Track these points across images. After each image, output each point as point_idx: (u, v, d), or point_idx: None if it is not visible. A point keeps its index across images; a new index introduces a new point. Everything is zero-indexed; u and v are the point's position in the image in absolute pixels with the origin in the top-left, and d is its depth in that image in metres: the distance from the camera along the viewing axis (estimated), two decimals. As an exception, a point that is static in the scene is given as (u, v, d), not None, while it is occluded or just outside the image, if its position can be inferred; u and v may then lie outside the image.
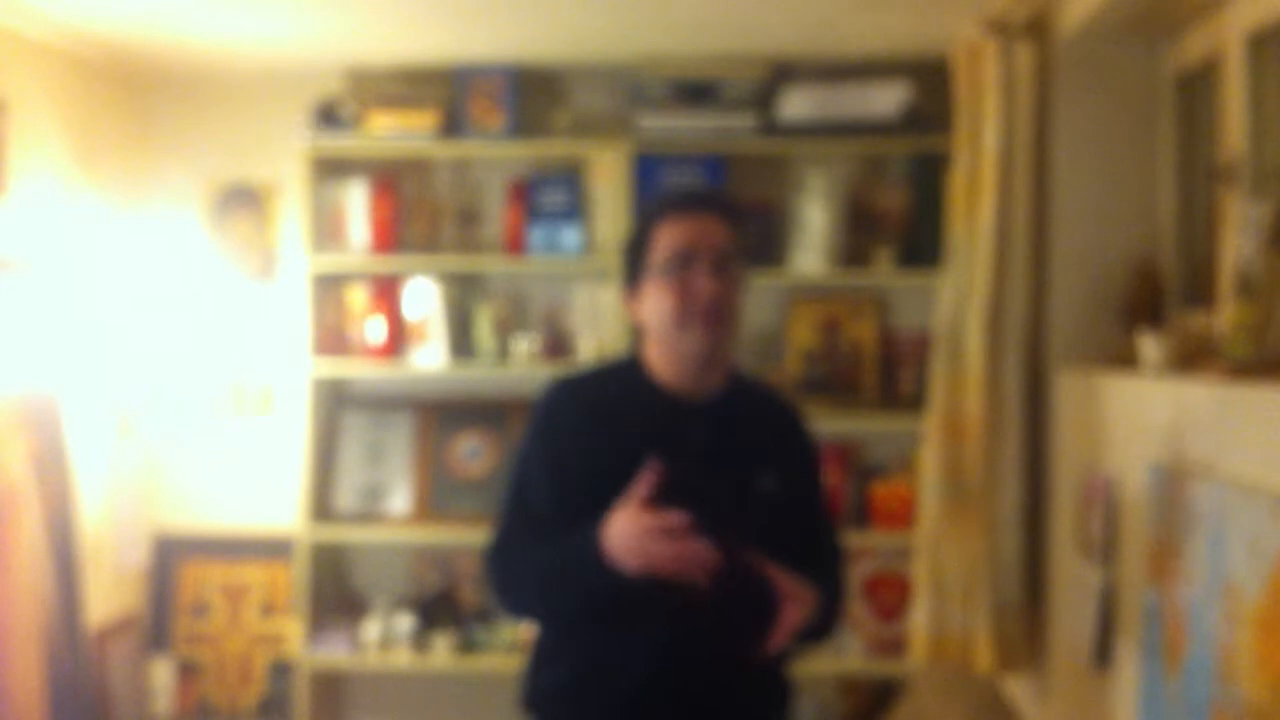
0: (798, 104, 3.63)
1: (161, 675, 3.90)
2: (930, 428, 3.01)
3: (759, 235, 3.75)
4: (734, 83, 3.64)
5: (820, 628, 2.07)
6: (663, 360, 2.08)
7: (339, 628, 3.82)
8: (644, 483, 1.89)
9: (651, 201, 2.12)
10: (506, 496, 2.11)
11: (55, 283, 3.39)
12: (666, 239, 2.01)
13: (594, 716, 2.05)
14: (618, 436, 2.05)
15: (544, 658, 2.12)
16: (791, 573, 1.95)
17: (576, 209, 3.80)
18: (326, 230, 3.84)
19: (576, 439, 2.06)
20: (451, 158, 3.91)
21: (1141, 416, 2.30)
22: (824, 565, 2.11)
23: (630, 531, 1.88)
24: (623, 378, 2.11)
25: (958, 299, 2.98)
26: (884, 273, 3.70)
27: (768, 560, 1.94)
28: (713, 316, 2.00)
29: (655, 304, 2.02)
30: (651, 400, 2.07)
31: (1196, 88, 2.72)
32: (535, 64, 3.81)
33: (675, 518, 1.85)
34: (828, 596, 2.07)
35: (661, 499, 1.97)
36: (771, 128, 3.67)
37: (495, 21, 3.35)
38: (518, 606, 2.14)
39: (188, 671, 3.93)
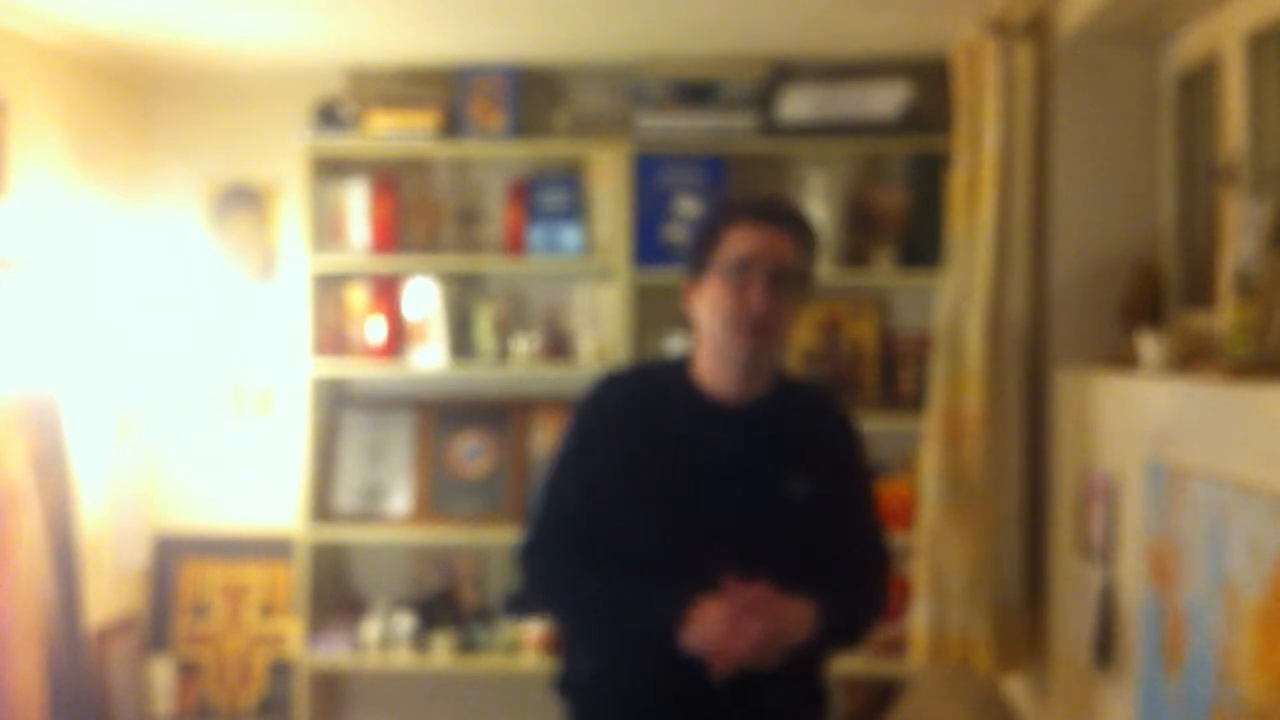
0: (798, 104, 3.63)
1: (161, 675, 3.89)
2: (930, 428, 3.01)
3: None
4: (734, 83, 3.64)
5: (841, 636, 2.10)
6: (708, 361, 2.10)
7: (339, 628, 3.82)
8: (737, 594, 1.95)
9: (729, 199, 2.15)
10: (545, 486, 2.15)
11: (55, 283, 3.39)
12: (735, 242, 2.03)
13: (623, 704, 2.08)
14: (652, 436, 2.09)
15: (575, 646, 2.17)
16: (786, 595, 1.97)
17: (576, 209, 3.80)
18: (326, 230, 3.84)
19: (611, 435, 2.10)
20: (451, 158, 3.91)
21: (1141, 416, 2.30)
22: (857, 573, 2.11)
23: (715, 628, 1.95)
24: (668, 378, 2.14)
25: (958, 299, 2.97)
26: (884, 273, 3.70)
27: (764, 584, 1.96)
28: (757, 329, 2.02)
29: (711, 303, 2.05)
30: (690, 402, 2.10)
31: (1196, 88, 2.72)
32: (535, 64, 3.81)
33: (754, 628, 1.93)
34: (860, 605, 2.11)
35: (686, 503, 2.03)
36: (771, 128, 3.66)
37: (495, 21, 3.35)
38: (546, 608, 2.28)
39: (188, 671, 3.93)
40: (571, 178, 3.82)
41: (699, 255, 2.08)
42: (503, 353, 3.80)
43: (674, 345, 3.69)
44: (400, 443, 3.90)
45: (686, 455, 2.06)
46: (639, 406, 2.11)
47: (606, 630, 2.08)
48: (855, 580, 2.11)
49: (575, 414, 2.16)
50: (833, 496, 2.10)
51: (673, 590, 1.97)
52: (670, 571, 1.99)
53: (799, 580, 2.00)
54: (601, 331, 3.76)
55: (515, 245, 3.83)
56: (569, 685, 2.15)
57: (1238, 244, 2.21)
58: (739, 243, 2.03)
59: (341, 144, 3.76)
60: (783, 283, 2.02)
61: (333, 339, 3.84)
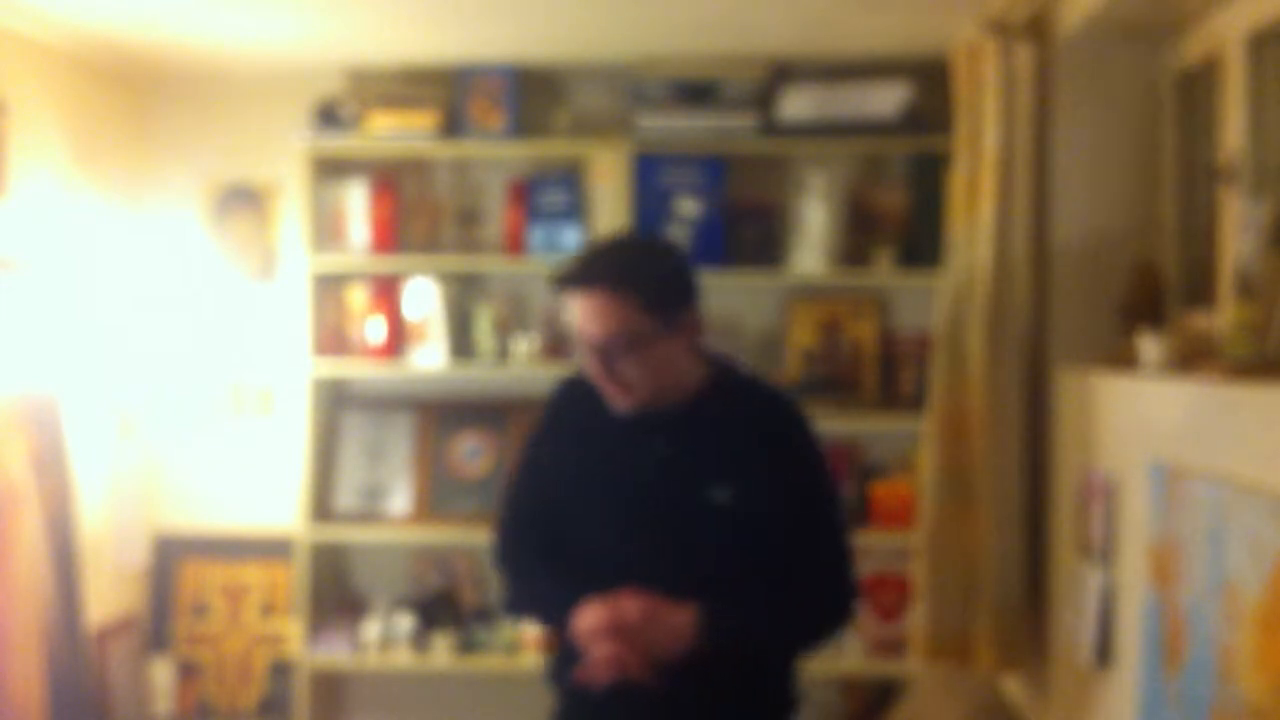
0: (798, 104, 3.63)
1: (161, 675, 3.90)
2: (930, 428, 3.01)
3: (759, 235, 3.76)
4: (734, 83, 3.64)
5: (760, 641, 2.09)
6: None
7: (339, 628, 3.82)
8: (605, 609, 1.99)
9: (567, 261, 2.11)
10: (510, 485, 2.26)
11: (55, 283, 3.39)
12: (570, 312, 2.06)
13: (578, 698, 2.14)
14: (590, 438, 2.15)
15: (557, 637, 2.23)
16: (668, 605, 1.99)
17: (576, 209, 3.80)
18: (326, 230, 3.84)
19: (561, 436, 2.20)
20: (451, 158, 3.91)
21: (1141, 416, 2.30)
22: (793, 577, 2.08)
23: (584, 628, 2.00)
24: None
25: (958, 299, 2.98)
26: (884, 273, 3.70)
27: (638, 599, 1.99)
28: (613, 391, 2.06)
29: None
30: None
31: (1196, 88, 2.72)
32: (535, 64, 3.81)
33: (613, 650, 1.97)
34: (793, 609, 2.09)
35: (612, 504, 2.10)
36: (771, 128, 3.67)
37: (495, 21, 3.35)
38: (507, 598, 2.32)
39: (188, 671, 3.93)
40: (571, 178, 3.82)
41: None
42: (503, 353, 3.80)
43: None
44: (400, 443, 3.90)
45: (615, 457, 2.12)
46: (585, 409, 2.15)
47: (538, 618, 2.21)
48: (789, 584, 2.07)
49: (543, 411, 2.26)
50: (763, 501, 2.06)
51: (581, 588, 2.03)
52: (599, 570, 2.04)
53: (714, 583, 2.01)
54: (601, 331, 3.75)
55: (515, 245, 3.83)
56: (552, 675, 2.21)
57: (1238, 244, 2.21)
58: (571, 313, 2.05)
59: (341, 144, 3.76)
60: (617, 349, 2.00)
61: (333, 339, 3.84)
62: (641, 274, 2.02)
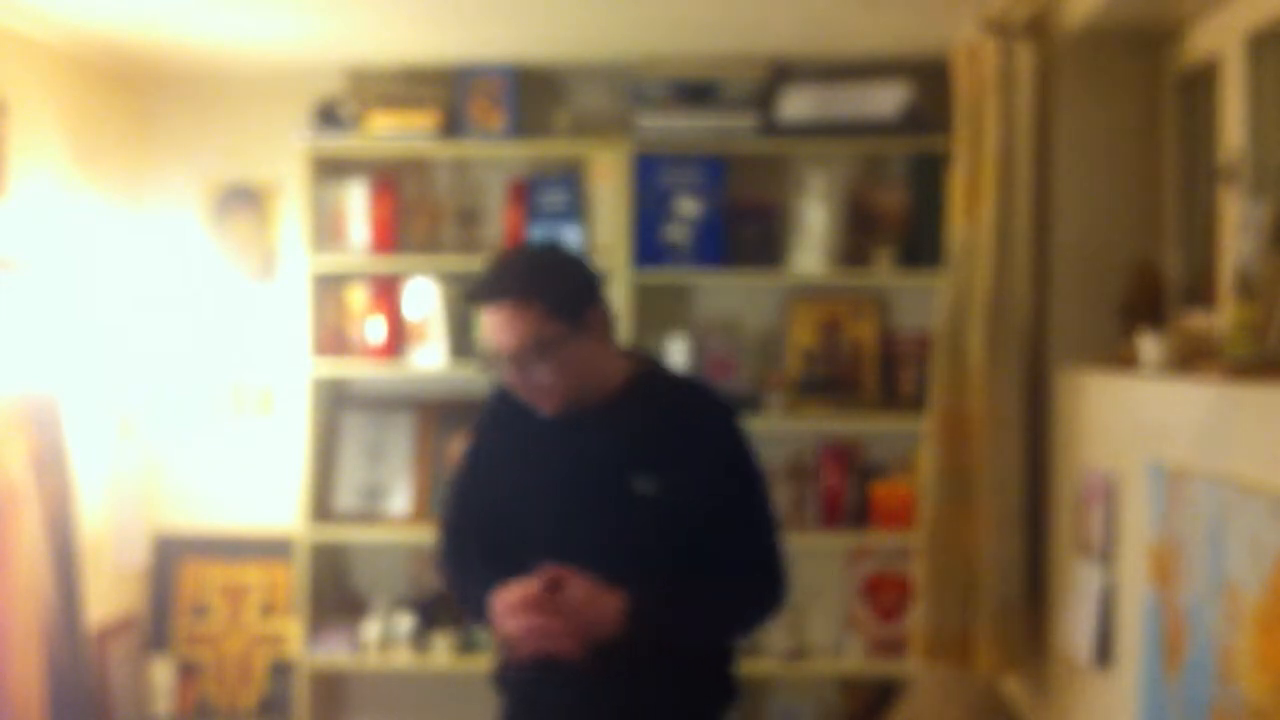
0: (798, 104, 3.63)
1: (161, 675, 3.89)
2: (930, 428, 3.01)
3: (759, 235, 3.76)
4: (734, 83, 3.64)
5: (686, 630, 2.11)
6: None
7: (339, 628, 3.82)
8: (533, 585, 2.01)
9: (474, 279, 2.16)
10: (454, 480, 2.32)
11: (55, 283, 3.39)
12: (482, 328, 2.12)
13: (510, 690, 2.25)
14: (518, 441, 2.20)
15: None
16: (603, 588, 2.02)
17: (576, 209, 3.80)
18: (326, 230, 3.84)
19: (492, 440, 2.26)
20: (451, 158, 3.91)
21: (1141, 416, 2.30)
22: (723, 569, 2.13)
23: (499, 611, 2.05)
24: None
25: (958, 299, 2.98)
26: (884, 273, 3.70)
27: (567, 574, 2.02)
28: (535, 399, 2.11)
29: None
30: None
31: (1196, 88, 2.73)
32: (535, 64, 3.81)
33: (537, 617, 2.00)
34: (720, 599, 2.13)
35: (544, 499, 2.15)
36: (771, 128, 3.67)
37: (495, 21, 3.35)
38: (448, 589, 2.37)
39: (188, 671, 3.93)
40: (571, 178, 3.82)
41: None
42: (503, 353, 3.80)
43: (675, 346, 3.69)
44: (400, 443, 3.90)
45: (545, 454, 2.17)
46: (517, 411, 2.19)
47: (474, 617, 2.23)
48: (717, 574, 2.12)
49: (476, 420, 2.32)
50: (689, 491, 2.11)
51: (508, 578, 2.06)
52: (534, 565, 2.06)
53: (643, 572, 2.05)
54: (601, 331, 3.75)
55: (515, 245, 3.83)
56: (496, 678, 2.29)
57: (1238, 244, 2.21)
58: (483, 329, 2.11)
59: (341, 144, 3.76)
60: (530, 357, 2.06)
61: (333, 339, 3.84)
62: (542, 282, 2.09)
